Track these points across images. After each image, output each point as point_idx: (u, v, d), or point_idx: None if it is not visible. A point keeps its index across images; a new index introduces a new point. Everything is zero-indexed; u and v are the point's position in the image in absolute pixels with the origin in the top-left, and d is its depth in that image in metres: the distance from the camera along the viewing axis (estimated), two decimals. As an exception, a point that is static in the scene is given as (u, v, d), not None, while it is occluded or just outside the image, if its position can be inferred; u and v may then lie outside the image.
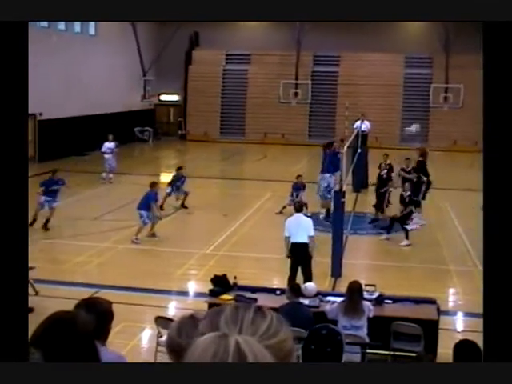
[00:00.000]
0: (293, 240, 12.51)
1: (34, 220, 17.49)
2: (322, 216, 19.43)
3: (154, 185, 18.02)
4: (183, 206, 21.11)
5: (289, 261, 12.76)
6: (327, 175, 19.78)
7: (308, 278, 12.36)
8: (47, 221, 17.80)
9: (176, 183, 21.17)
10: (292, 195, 20.24)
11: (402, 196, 17.27)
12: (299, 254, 12.50)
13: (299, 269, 12.67)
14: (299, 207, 13.60)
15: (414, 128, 17.36)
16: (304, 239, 12.45)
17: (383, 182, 19.74)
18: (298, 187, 20.49)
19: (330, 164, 19.78)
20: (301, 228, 12.53)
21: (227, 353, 1.40)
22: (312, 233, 12.59)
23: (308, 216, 14.78)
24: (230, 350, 1.40)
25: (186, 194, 21.10)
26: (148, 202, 17.31)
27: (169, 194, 21.04)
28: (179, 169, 21.88)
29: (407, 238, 16.76)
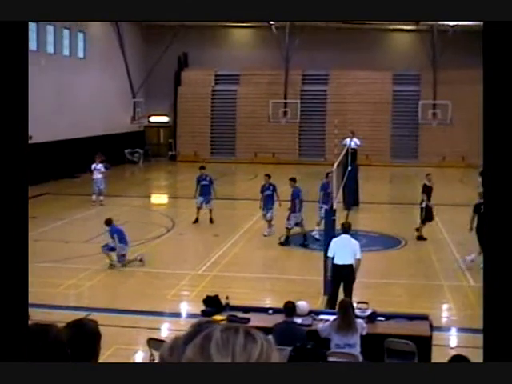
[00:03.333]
0: (336, 261, 12.26)
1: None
2: (314, 233, 19.17)
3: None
4: (211, 221, 21.55)
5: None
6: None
7: (348, 296, 12.27)
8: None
9: (201, 182, 21.61)
10: (265, 205, 19.79)
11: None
12: (342, 276, 12.31)
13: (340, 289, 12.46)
14: (347, 228, 12.96)
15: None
16: (349, 261, 12.20)
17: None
18: (267, 188, 19.98)
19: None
20: (347, 250, 12.24)
21: None
22: (359, 255, 12.32)
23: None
24: None
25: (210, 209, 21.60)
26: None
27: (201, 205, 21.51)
28: (202, 168, 22.26)
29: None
